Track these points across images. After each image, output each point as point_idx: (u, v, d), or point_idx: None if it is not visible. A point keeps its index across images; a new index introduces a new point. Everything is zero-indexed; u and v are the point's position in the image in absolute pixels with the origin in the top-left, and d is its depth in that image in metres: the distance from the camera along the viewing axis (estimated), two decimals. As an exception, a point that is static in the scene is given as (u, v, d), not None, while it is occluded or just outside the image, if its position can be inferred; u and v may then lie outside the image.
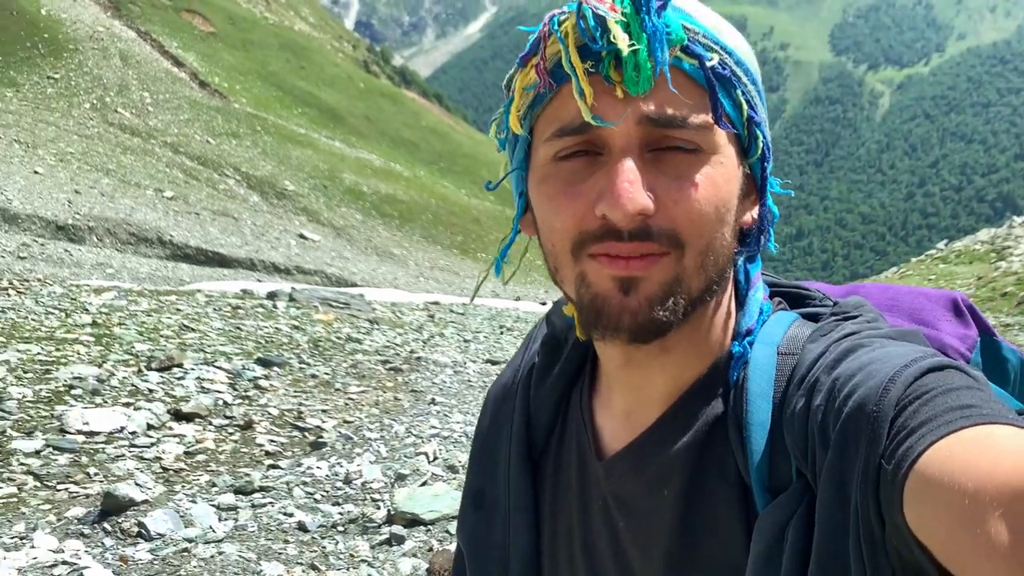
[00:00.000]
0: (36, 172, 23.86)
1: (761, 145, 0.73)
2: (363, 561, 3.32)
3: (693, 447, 0.74)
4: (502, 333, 11.09)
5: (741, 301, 0.79)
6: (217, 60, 49.25)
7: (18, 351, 5.82)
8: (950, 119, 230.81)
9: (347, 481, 4.17)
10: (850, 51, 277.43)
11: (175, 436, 4.61)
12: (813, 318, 0.77)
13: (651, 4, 0.66)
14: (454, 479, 4.31)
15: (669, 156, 0.68)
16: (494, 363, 8.15)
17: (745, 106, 0.71)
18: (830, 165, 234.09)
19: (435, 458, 4.65)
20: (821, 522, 0.61)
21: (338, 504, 3.88)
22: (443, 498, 3.68)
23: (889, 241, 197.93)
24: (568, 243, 0.71)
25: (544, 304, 20.66)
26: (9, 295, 8.44)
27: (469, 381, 7.11)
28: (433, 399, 6.25)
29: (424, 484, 4.09)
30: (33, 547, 3.14)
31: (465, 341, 9.81)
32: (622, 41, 0.64)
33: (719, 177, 0.69)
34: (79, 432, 4.37)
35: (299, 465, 4.41)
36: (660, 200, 0.67)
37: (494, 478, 0.91)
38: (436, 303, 14.94)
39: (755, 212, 0.77)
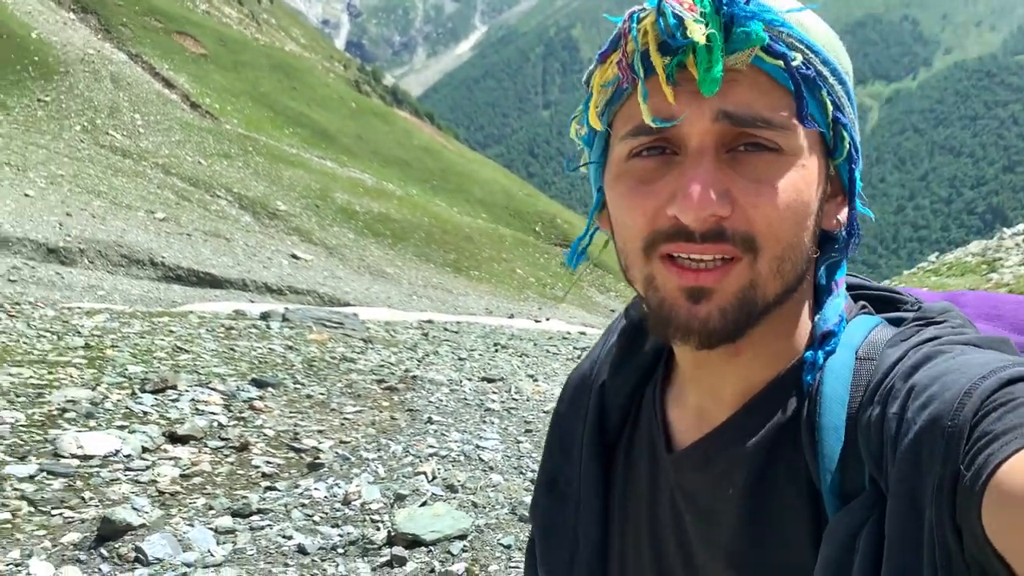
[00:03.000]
0: (27, 195, 23.79)
1: (848, 146, 0.72)
2: (363, 584, 3.28)
3: (761, 448, 0.74)
4: (496, 351, 11.06)
5: (821, 306, 0.77)
6: (208, 81, 49.32)
7: (10, 375, 5.76)
8: (939, 132, 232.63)
9: (346, 502, 4.12)
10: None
11: (170, 459, 4.56)
12: (897, 323, 0.76)
13: (732, 2, 0.65)
14: (454, 499, 4.27)
15: (748, 157, 0.67)
16: (490, 380, 8.11)
17: (831, 107, 0.69)
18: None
19: (434, 478, 4.61)
20: (892, 535, 0.60)
21: (337, 526, 3.84)
22: (444, 518, 3.64)
23: (880, 254, 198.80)
24: (639, 242, 0.70)
25: (538, 322, 20.63)
26: (0, 318, 8.38)
27: (465, 399, 7.07)
28: (430, 418, 6.21)
29: (424, 504, 4.04)
30: (29, 574, 3.09)
31: (460, 359, 9.77)
32: (699, 34, 0.63)
33: (800, 181, 0.68)
34: (73, 456, 4.31)
35: (296, 487, 4.36)
36: (737, 203, 0.67)
37: (568, 465, 0.92)
38: (430, 321, 14.90)
39: (842, 215, 0.75)
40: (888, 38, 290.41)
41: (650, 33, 0.66)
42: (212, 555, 3.39)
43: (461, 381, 7.95)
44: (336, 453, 5.03)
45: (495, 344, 11.84)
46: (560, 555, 0.91)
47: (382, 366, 8.35)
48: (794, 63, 0.66)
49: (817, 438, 0.69)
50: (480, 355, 10.38)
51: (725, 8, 0.65)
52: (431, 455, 5.14)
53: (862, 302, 0.80)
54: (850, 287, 0.82)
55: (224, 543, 3.54)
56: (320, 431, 5.54)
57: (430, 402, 6.81)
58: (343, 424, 5.83)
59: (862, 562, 0.62)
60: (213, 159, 37.50)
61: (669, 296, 0.69)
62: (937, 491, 0.56)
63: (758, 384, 0.75)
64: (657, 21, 0.66)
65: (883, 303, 0.81)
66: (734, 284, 0.68)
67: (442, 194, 53.11)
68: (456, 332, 13.12)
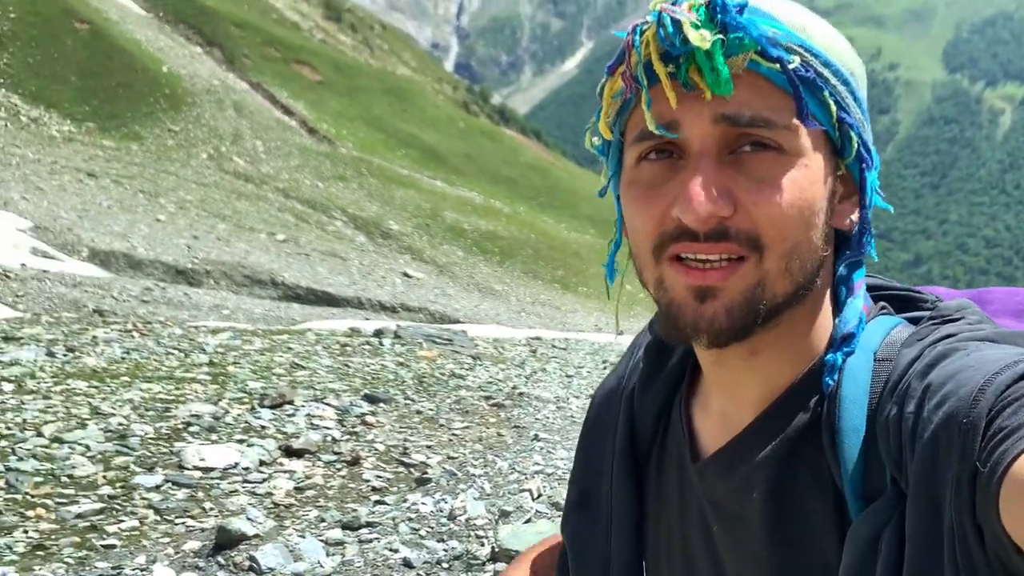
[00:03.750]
0: (158, 219, 25.26)
1: (856, 145, 0.72)
2: (468, 599, 3.30)
3: (782, 452, 0.74)
4: (605, 368, 10.97)
5: (841, 307, 0.76)
6: (324, 107, 51.23)
7: (141, 390, 6.11)
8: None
9: (451, 517, 4.17)
10: (965, 68, 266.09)
11: (285, 472, 4.73)
12: (916, 323, 0.75)
13: (727, 6, 0.66)
14: (558, 516, 4.24)
15: (751, 157, 0.69)
16: (597, 398, 8.06)
17: (834, 107, 0.70)
18: (948, 187, 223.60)
19: (539, 495, 4.60)
20: (913, 536, 0.60)
21: (443, 540, 3.88)
22: (547, 536, 3.63)
23: (1017, 266, 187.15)
24: (649, 244, 0.72)
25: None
26: (133, 337, 8.90)
27: (572, 417, 7.04)
28: (536, 435, 6.21)
29: (528, 521, 4.04)
30: (152, 580, 3.25)
31: (568, 376, 9.75)
32: (698, 40, 0.65)
33: (803, 179, 0.69)
34: (196, 468, 4.53)
35: (405, 501, 4.44)
36: (740, 202, 0.68)
37: (598, 481, 0.93)
38: (538, 338, 14.94)
39: (855, 216, 0.76)
40: (1021, 36, 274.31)
41: (652, 44, 0.69)
42: (322, 566, 3.49)
43: (568, 399, 7.93)
44: (443, 468, 5.09)
45: (603, 361, 11.75)
46: (592, 569, 0.91)
47: (490, 383, 8.42)
48: (791, 65, 0.67)
49: (837, 440, 0.69)
50: (588, 372, 10.33)
51: (720, 16, 0.67)
52: (537, 472, 5.14)
53: (882, 303, 0.80)
54: (871, 288, 0.81)
55: (333, 555, 3.63)
56: (429, 446, 5.62)
57: (537, 419, 6.82)
58: (451, 440, 5.90)
59: (884, 563, 0.62)
60: (329, 182, 38.87)
61: (677, 296, 0.71)
62: (956, 489, 0.55)
63: (779, 387, 0.75)
64: (658, 32, 0.68)
65: (903, 303, 0.81)
66: (740, 283, 0.69)
67: (549, 211, 53.28)
68: (564, 349, 13.10)
